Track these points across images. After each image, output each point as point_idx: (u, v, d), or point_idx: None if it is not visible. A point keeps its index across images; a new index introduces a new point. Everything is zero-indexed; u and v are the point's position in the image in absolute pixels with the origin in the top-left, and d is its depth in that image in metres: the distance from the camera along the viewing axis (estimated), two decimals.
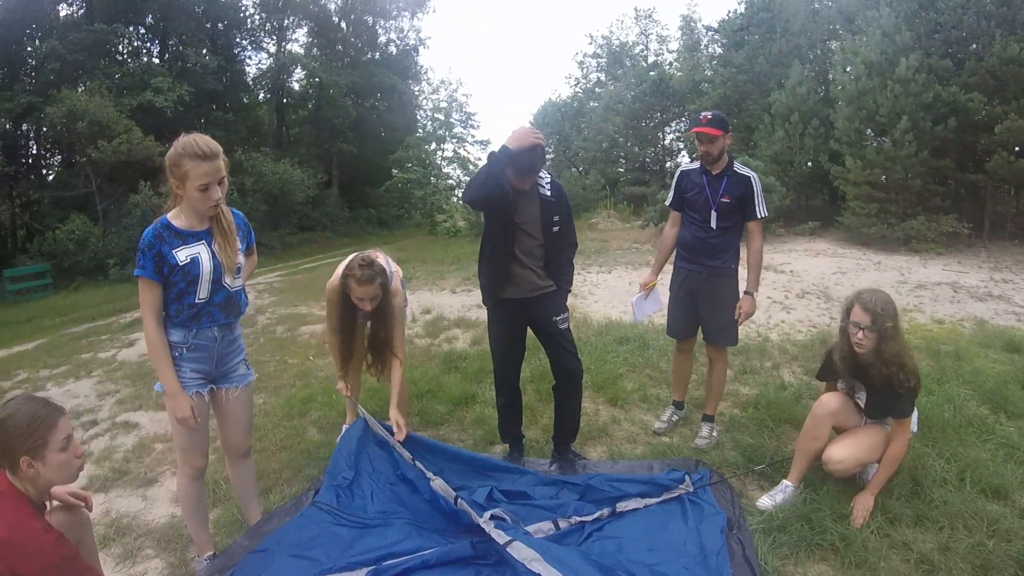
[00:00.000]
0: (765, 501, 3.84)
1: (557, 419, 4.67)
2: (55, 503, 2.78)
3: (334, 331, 4.61)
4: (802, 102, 18.26)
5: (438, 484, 3.89)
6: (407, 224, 39.68)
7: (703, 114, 4.62)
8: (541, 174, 4.28)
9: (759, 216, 4.64)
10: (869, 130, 16.00)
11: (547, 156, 4.19)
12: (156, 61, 30.36)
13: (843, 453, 3.78)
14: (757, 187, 4.61)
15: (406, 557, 3.35)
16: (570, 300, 4.51)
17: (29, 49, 26.93)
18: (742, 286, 4.76)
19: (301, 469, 4.73)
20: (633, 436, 5.06)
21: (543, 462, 4.61)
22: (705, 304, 4.79)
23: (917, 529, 3.51)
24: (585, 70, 46.54)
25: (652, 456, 4.63)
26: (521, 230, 4.29)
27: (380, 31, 40.49)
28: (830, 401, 3.93)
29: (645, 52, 42.72)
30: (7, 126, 25.59)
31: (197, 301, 3.19)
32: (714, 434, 4.93)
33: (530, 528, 3.58)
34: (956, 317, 8.49)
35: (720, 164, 4.66)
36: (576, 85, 46.85)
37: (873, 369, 3.71)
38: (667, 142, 34.21)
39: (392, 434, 4.24)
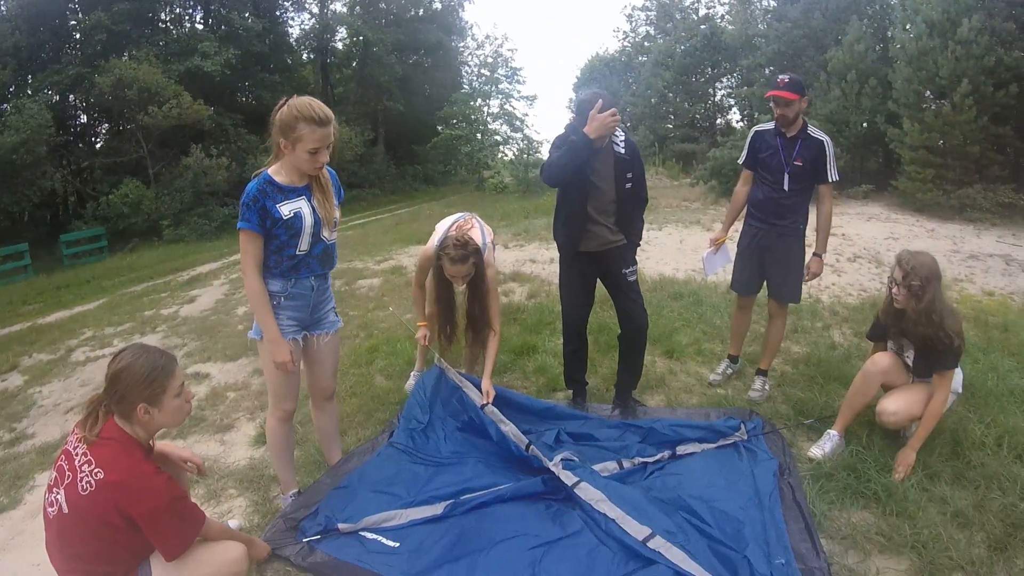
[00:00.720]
0: (815, 451, 4.13)
1: (621, 367, 4.97)
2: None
3: (432, 302, 4.88)
4: (860, 60, 17.79)
5: (510, 430, 4.23)
6: (453, 180, 39.88)
7: (780, 77, 4.77)
8: (616, 131, 4.42)
9: (830, 179, 4.84)
10: (928, 92, 15.52)
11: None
12: (200, 27, 30.67)
13: (896, 405, 4.04)
14: (830, 151, 4.81)
15: (482, 492, 3.70)
16: None
17: (73, 23, 27.31)
18: (809, 248, 5.01)
19: (372, 413, 5.08)
20: (689, 387, 5.38)
21: (605, 407, 4.95)
22: (774, 262, 5.01)
23: (955, 486, 3.73)
24: (634, 23, 45.83)
25: (708, 405, 4.96)
26: (596, 188, 4.47)
27: None
28: (881, 360, 4.20)
29: (696, 5, 41.82)
30: (56, 98, 25.94)
31: (298, 253, 3.36)
32: (767, 387, 5.20)
33: (596, 467, 3.91)
34: (1007, 290, 8.57)
35: (795, 127, 4.84)
36: (624, 39, 46.26)
37: (916, 326, 3.96)
38: (718, 98, 33.93)
39: (477, 388, 4.55)
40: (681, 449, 4.18)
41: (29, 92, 24.73)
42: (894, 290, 4.01)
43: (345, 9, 37.73)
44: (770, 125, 5.01)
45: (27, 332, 10.05)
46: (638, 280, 4.83)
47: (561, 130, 4.51)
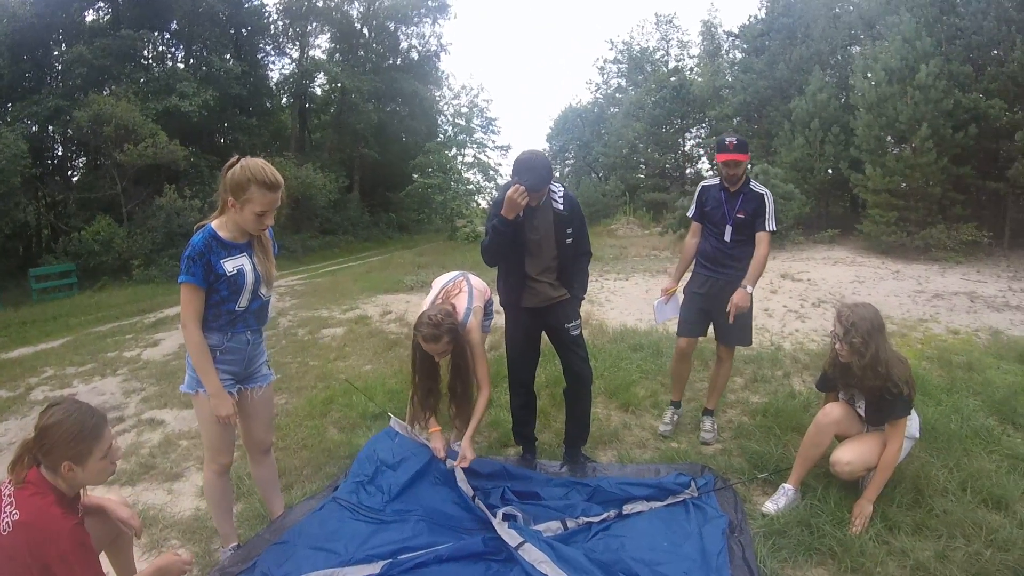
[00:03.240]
0: (768, 506, 3.98)
1: (568, 422, 4.86)
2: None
3: (414, 372, 4.66)
4: (822, 108, 18.26)
5: (459, 477, 4.19)
6: (427, 229, 39.91)
7: (728, 139, 4.95)
8: (553, 188, 4.40)
9: (768, 229, 4.97)
10: (889, 137, 15.97)
11: (558, 165, 4.34)
12: (181, 66, 30.78)
13: (850, 455, 3.92)
14: (769, 204, 4.99)
15: (421, 552, 3.54)
16: (587, 307, 4.71)
17: (56, 54, 27.37)
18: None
19: (321, 467, 4.93)
20: (643, 441, 5.23)
21: (554, 464, 4.78)
22: (721, 308, 4.96)
23: (916, 537, 3.60)
24: (606, 76, 46.57)
25: (660, 460, 4.80)
26: (535, 245, 4.44)
27: (402, 37, 40.68)
28: (833, 410, 4.09)
29: (666, 58, 42.67)
30: (34, 129, 25.98)
31: (237, 309, 3.38)
32: (715, 427, 5.30)
33: (539, 527, 3.78)
34: (972, 328, 8.52)
35: (738, 183, 5.03)
36: (597, 91, 46.97)
37: (863, 380, 3.88)
38: (687, 148, 34.39)
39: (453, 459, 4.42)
40: (628, 508, 4.00)
41: (7, 120, 24.68)
42: (837, 345, 3.93)
43: (324, 56, 38.18)
44: (715, 181, 5.21)
45: None
46: (582, 334, 4.74)
47: (497, 197, 4.48)
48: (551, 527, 3.83)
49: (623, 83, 44.43)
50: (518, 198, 4.04)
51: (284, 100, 38.75)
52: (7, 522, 2.42)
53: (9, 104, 25.87)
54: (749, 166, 5.00)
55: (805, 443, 4.12)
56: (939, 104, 14.34)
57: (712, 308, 5.13)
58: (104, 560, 2.86)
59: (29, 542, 2.38)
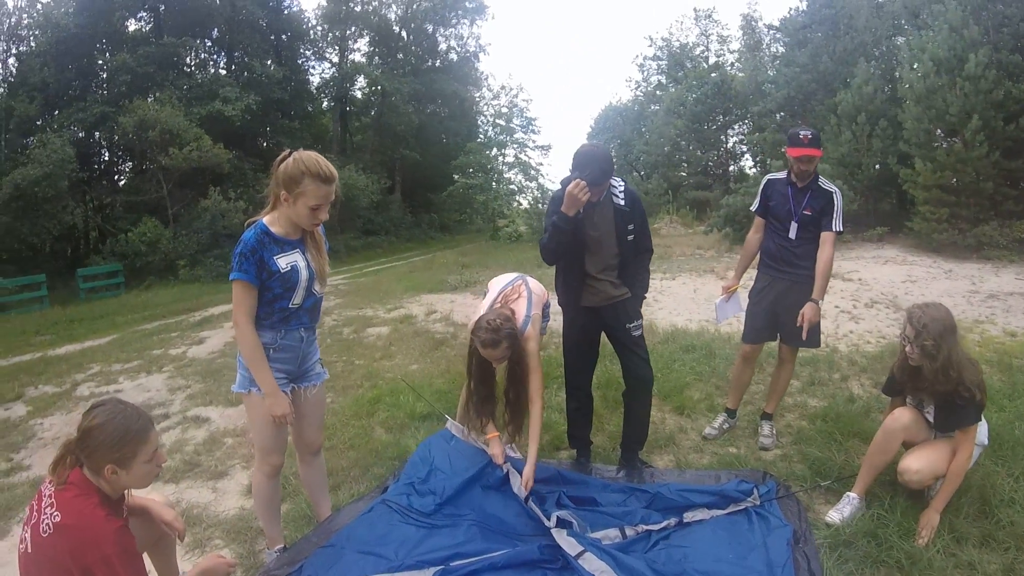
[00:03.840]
0: (833, 516, 3.87)
1: (626, 426, 4.77)
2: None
3: (469, 378, 4.57)
4: (869, 101, 17.79)
5: (515, 482, 4.15)
6: (469, 229, 40.11)
7: (802, 133, 4.74)
8: (614, 182, 4.31)
9: (834, 229, 4.77)
10: (939, 131, 15.52)
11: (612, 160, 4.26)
12: (223, 72, 31.57)
13: (919, 464, 3.80)
14: (838, 203, 4.78)
15: (474, 559, 3.49)
16: None
17: (100, 62, 28.33)
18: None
19: (369, 468, 4.91)
20: (700, 446, 5.13)
21: (610, 468, 4.71)
22: (787, 308, 4.86)
23: (983, 549, 3.49)
24: (645, 73, 46.26)
25: (719, 466, 4.70)
26: (595, 242, 4.34)
27: (440, 39, 41.11)
28: (902, 416, 3.96)
29: (706, 53, 42.35)
30: (80, 135, 26.77)
31: (291, 306, 3.33)
32: (775, 433, 5.16)
33: (597, 534, 3.72)
34: None
35: (807, 178, 4.83)
36: (636, 88, 46.79)
37: (934, 384, 3.75)
38: (730, 145, 34.04)
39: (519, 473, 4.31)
40: (689, 516, 3.93)
41: (54, 127, 25.42)
42: (907, 348, 3.80)
43: (364, 59, 38.59)
44: (782, 174, 5.01)
45: (36, 363, 10.04)
46: (643, 334, 4.63)
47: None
48: (609, 535, 3.77)
49: (663, 80, 44.14)
50: (579, 194, 3.94)
51: (325, 104, 39.25)
52: (47, 523, 2.39)
53: (56, 111, 26.73)
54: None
55: (872, 450, 4.00)
56: (989, 95, 13.93)
57: (778, 309, 4.97)
58: (147, 560, 2.82)
59: (71, 544, 2.35)
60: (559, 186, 4.25)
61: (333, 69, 37.73)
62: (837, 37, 21.78)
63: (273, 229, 3.25)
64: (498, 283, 4.88)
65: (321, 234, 3.47)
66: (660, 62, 44.48)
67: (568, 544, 3.50)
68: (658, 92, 42.73)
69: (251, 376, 3.31)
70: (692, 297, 10.71)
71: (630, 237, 4.37)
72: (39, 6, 27.58)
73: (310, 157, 3.15)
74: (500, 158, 37.18)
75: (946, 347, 3.64)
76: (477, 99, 43.23)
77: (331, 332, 10.00)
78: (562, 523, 3.73)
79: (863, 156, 17.78)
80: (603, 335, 4.71)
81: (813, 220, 4.79)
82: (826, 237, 4.78)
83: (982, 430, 3.96)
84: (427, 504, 4.09)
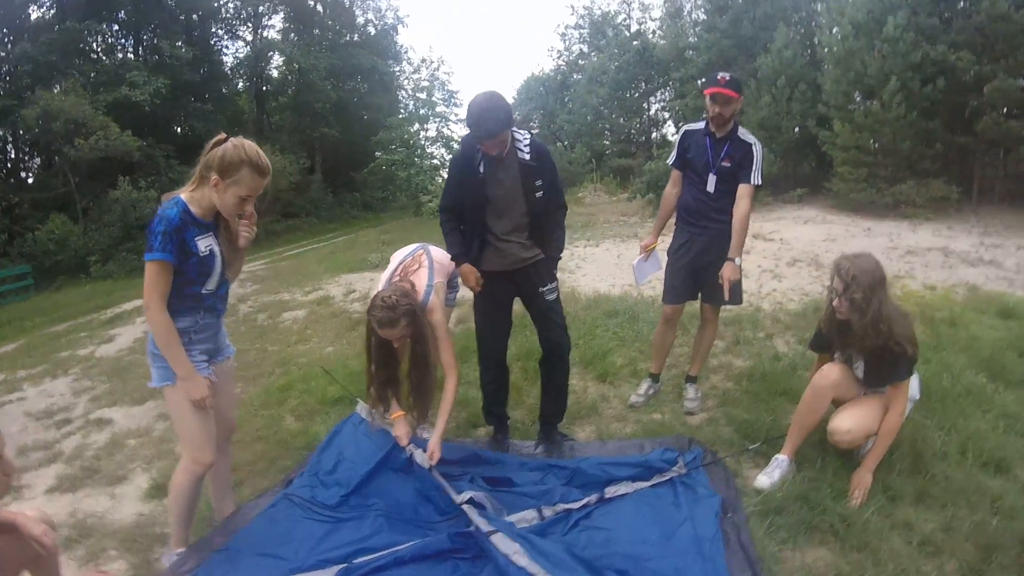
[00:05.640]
0: (762, 480, 3.65)
1: (544, 397, 4.49)
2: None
3: (370, 361, 4.13)
4: (788, 66, 17.74)
5: (419, 459, 3.90)
6: (392, 207, 39.23)
7: (720, 75, 4.44)
8: (518, 135, 3.95)
9: (752, 182, 4.49)
10: (857, 93, 15.55)
11: (513, 116, 3.94)
12: (131, 56, 30.14)
13: (850, 423, 3.58)
14: (758, 154, 4.51)
15: (379, 553, 3.20)
16: (558, 275, 4.28)
17: (2, 54, 26.88)
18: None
19: (275, 460, 4.55)
20: (623, 415, 4.85)
21: (528, 444, 4.42)
22: (706, 265, 4.61)
23: (919, 507, 3.34)
24: (567, 42, 45.63)
25: (643, 435, 4.42)
26: (501, 202, 4.00)
27: (358, 12, 40.06)
28: (830, 372, 3.73)
29: (627, 21, 41.74)
30: None
31: (203, 292, 3.15)
32: (699, 395, 4.92)
33: (513, 517, 3.41)
34: (948, 283, 8.30)
35: (725, 128, 4.53)
36: (559, 58, 45.75)
37: (864, 339, 3.51)
38: (652, 112, 33.93)
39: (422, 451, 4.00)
40: (611, 491, 3.62)
41: None
42: (835, 302, 3.55)
43: (279, 36, 37.34)
44: (700, 124, 4.69)
45: None
46: (559, 298, 4.32)
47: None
48: (526, 517, 3.45)
49: (585, 49, 43.62)
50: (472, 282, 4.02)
51: (240, 85, 37.97)
52: None
53: None
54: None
55: (800, 409, 3.77)
56: (907, 57, 13.97)
57: (698, 267, 4.69)
58: None
59: None
60: (458, 146, 4.02)
61: (247, 48, 36.57)
62: (757, 3, 21.66)
63: (192, 208, 3.04)
64: (398, 256, 4.52)
65: (243, 230, 3.27)
66: (582, 31, 43.84)
67: (481, 522, 3.21)
68: (580, 61, 42.29)
69: (168, 366, 3.08)
70: (616, 263, 10.50)
71: (539, 194, 4.01)
72: None
73: (251, 147, 2.99)
74: (422, 133, 36.44)
75: (876, 300, 3.40)
76: (397, 73, 42.15)
77: (245, 319, 9.53)
78: (475, 504, 3.42)
79: (783, 119, 17.81)
80: (518, 301, 4.39)
81: (732, 172, 4.52)
82: (743, 190, 4.50)
83: (914, 384, 3.80)
84: (332, 496, 3.78)
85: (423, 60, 43.56)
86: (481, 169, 3.88)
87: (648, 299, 7.54)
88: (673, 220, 4.95)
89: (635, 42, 32.99)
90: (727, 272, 4.41)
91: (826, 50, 16.28)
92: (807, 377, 4.05)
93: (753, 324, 6.63)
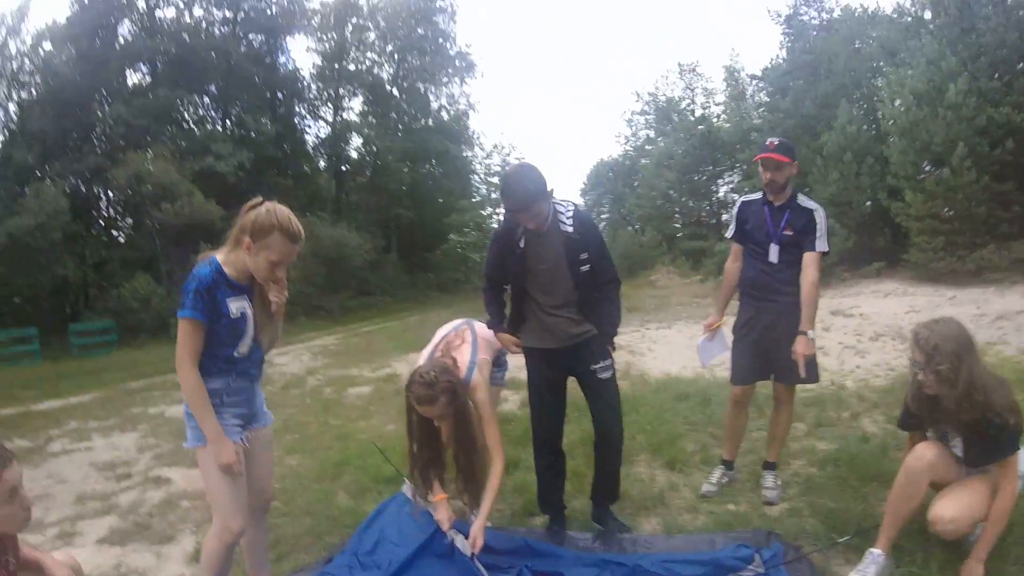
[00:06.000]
0: None
1: (595, 477, 4.12)
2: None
3: (411, 440, 3.84)
4: (853, 141, 17.52)
5: (460, 545, 3.52)
6: (466, 288, 39.07)
7: (770, 140, 4.27)
8: (560, 208, 3.73)
9: (817, 249, 4.16)
10: (926, 163, 15.21)
11: (548, 188, 3.72)
12: (219, 128, 31.13)
13: (954, 510, 3.04)
14: (821, 220, 4.20)
15: None
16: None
17: (99, 113, 27.60)
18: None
19: (322, 536, 4.24)
20: (694, 505, 4.35)
21: (587, 536, 3.97)
22: (777, 341, 4.21)
23: None
24: (634, 128, 46.01)
25: (715, 528, 3.93)
26: (546, 277, 3.76)
27: (432, 97, 40.70)
28: (925, 453, 3.21)
29: (692, 106, 41.91)
30: (81, 188, 26.36)
31: (236, 355, 3.02)
32: (778, 483, 4.39)
33: None
34: None
35: (783, 195, 4.26)
36: (626, 143, 46.35)
37: (957, 414, 3.03)
38: (721, 194, 33.74)
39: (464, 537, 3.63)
40: None
41: (51, 176, 24.84)
42: (920, 375, 3.08)
43: (358, 119, 38.07)
44: (757, 195, 4.44)
45: (15, 417, 9.59)
46: (614, 378, 3.96)
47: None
48: None
49: (651, 134, 43.87)
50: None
51: (321, 164, 38.80)
52: None
53: (54, 161, 26.08)
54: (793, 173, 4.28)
55: (894, 496, 3.24)
56: (972, 122, 13.64)
57: (766, 344, 4.28)
58: None
59: None
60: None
61: (328, 128, 37.49)
62: (818, 82, 21.71)
63: (226, 269, 2.95)
64: (442, 330, 4.24)
65: (272, 295, 3.10)
66: (648, 116, 44.18)
67: None
68: (647, 147, 42.51)
69: (198, 422, 2.95)
70: (687, 345, 9.92)
71: (584, 268, 3.74)
72: (41, 52, 27.01)
73: (283, 212, 2.93)
74: (494, 217, 36.64)
75: (966, 368, 2.93)
76: (469, 159, 42.80)
77: (312, 392, 9.50)
78: None
79: (853, 194, 17.42)
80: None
81: (795, 241, 4.19)
82: (809, 259, 4.16)
83: (1023, 458, 3.21)
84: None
85: (495, 146, 43.87)
86: (522, 244, 3.68)
87: (721, 380, 6.97)
88: (737, 298, 4.61)
89: (700, 126, 33.05)
90: (800, 347, 4.02)
91: (891, 122, 15.99)
92: (900, 458, 3.49)
93: (836, 404, 6.09)
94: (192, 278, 2.87)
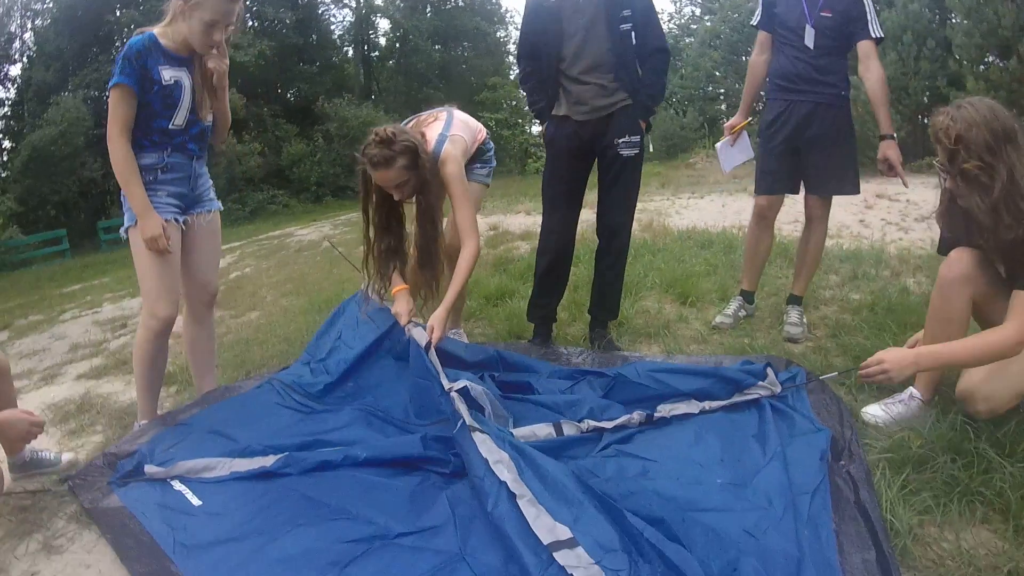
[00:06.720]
0: (875, 410, 2.50)
1: (593, 289, 3.66)
2: None
3: (364, 224, 3.27)
4: (915, 20, 15.70)
5: (416, 340, 2.94)
6: (499, 171, 38.62)
7: None
8: None
9: (872, 35, 3.47)
10: (990, 55, 13.50)
11: None
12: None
13: (988, 385, 2.26)
14: (868, 1, 3.45)
15: (334, 448, 2.42)
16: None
17: (110, 19, 27.32)
18: None
19: (291, 358, 3.75)
20: (704, 336, 3.67)
21: (571, 351, 3.39)
22: (812, 144, 3.52)
23: None
24: (678, 4, 44.07)
25: (724, 353, 3.29)
26: (578, 32, 3.27)
27: None
28: (961, 258, 2.41)
29: None
30: (95, 94, 25.96)
31: (171, 127, 2.83)
32: (804, 320, 3.69)
33: (520, 431, 2.34)
34: None
35: None
36: (670, 21, 43.81)
37: (996, 231, 2.20)
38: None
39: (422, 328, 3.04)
40: (664, 409, 2.48)
41: (70, 89, 25.07)
42: (947, 182, 2.30)
43: (381, 3, 36.72)
44: None
45: (37, 300, 9.92)
46: (639, 166, 3.38)
47: None
48: (536, 432, 2.37)
49: (697, 11, 41.73)
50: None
51: (350, 52, 37.67)
52: None
53: (74, 77, 26.32)
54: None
55: (930, 319, 2.53)
56: None
57: (799, 144, 3.58)
58: None
59: None
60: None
61: (351, 15, 36.26)
62: None
63: (162, 41, 2.77)
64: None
65: (225, 79, 2.97)
66: None
67: (466, 414, 2.26)
68: (692, 25, 40.44)
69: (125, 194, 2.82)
70: (720, 210, 9.18)
71: (624, 26, 3.24)
72: None
73: None
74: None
75: (1004, 163, 2.14)
76: (502, 38, 40.91)
77: (325, 252, 9.40)
78: (469, 398, 2.41)
79: (910, 79, 15.91)
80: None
81: (835, 25, 3.44)
82: (868, 48, 3.47)
83: None
84: (316, 384, 3.06)
85: None
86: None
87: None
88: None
89: (750, 3, 31.10)
90: (890, 152, 3.43)
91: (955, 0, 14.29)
92: None
93: (876, 261, 5.25)
94: (124, 47, 2.72)
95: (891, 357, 2.24)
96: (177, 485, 2.35)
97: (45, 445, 2.95)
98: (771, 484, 1.98)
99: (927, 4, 16.28)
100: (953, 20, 14.32)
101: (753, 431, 2.33)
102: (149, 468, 2.44)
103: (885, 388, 2.64)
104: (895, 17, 16.09)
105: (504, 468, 1.90)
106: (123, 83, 2.66)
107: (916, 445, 2.21)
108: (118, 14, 26.78)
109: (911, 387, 2.53)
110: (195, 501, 2.25)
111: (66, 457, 2.85)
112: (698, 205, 9.99)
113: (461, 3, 37.88)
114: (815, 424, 2.33)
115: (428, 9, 36.15)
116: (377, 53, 38.29)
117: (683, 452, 2.23)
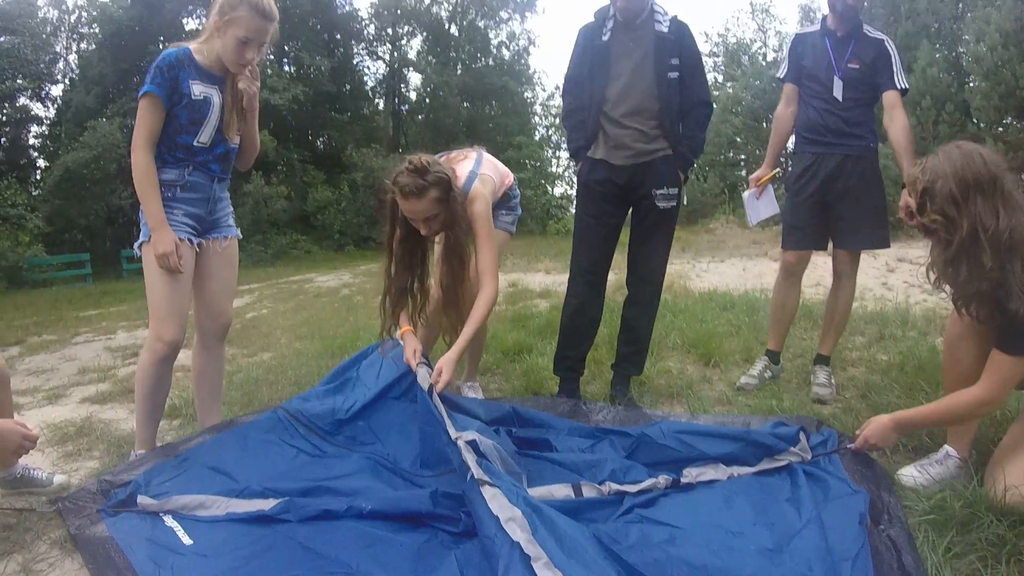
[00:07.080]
0: (911, 472, 2.37)
1: (619, 342, 3.55)
2: None
3: (386, 258, 3.11)
4: (934, 85, 15.96)
5: (424, 387, 2.76)
6: (520, 230, 38.79)
7: None
8: (658, 8, 3.28)
9: (897, 86, 3.46)
10: (1009, 119, 13.67)
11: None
12: (274, 62, 31.20)
13: (1014, 474, 2.11)
14: (893, 51, 3.48)
15: (337, 497, 2.32)
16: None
17: (153, 48, 27.34)
18: None
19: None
20: (729, 397, 3.55)
21: (592, 407, 3.22)
22: (841, 198, 3.47)
23: None
24: None
25: (750, 415, 3.16)
26: (625, 74, 3.25)
27: (491, 35, 39.56)
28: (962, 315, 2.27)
29: (763, 49, 40.06)
30: (131, 122, 26.19)
31: (196, 144, 2.79)
32: (833, 381, 3.57)
33: (536, 491, 2.20)
34: None
35: (849, 20, 3.50)
36: None
37: (967, 281, 2.11)
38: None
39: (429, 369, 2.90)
40: (692, 473, 2.36)
41: (107, 116, 25.22)
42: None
43: (415, 58, 37.40)
44: (815, 27, 3.73)
45: (52, 320, 9.82)
46: (673, 216, 3.37)
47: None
48: (554, 492, 2.25)
49: (719, 78, 42.14)
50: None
51: (380, 105, 38.27)
52: None
53: (113, 104, 26.67)
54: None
55: (945, 377, 2.46)
56: None
57: (828, 199, 3.52)
58: None
59: None
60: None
61: (385, 67, 36.95)
62: (898, 22, 20.03)
63: (197, 56, 2.78)
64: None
65: (255, 101, 3.01)
66: (716, 59, 42.16)
67: (475, 467, 2.12)
68: (714, 91, 40.84)
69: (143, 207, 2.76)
70: (741, 274, 9.15)
71: (672, 75, 3.22)
72: (97, 1, 27.61)
73: None
74: (554, 161, 35.78)
75: (968, 216, 2.02)
76: (529, 99, 41.42)
77: (344, 300, 9.37)
78: (477, 451, 2.27)
79: (929, 143, 15.93)
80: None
81: (862, 77, 3.45)
82: (893, 99, 3.46)
83: None
84: (324, 417, 2.92)
85: (557, 87, 42.76)
86: (606, 36, 3.26)
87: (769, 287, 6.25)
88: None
89: (771, 71, 31.38)
90: (911, 200, 3.23)
91: (973, 62, 14.41)
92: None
93: (902, 322, 5.16)
94: (157, 58, 2.72)
95: (872, 427, 2.27)
96: (169, 521, 2.27)
97: (39, 464, 2.91)
98: (809, 549, 1.88)
99: (945, 68, 16.43)
100: (971, 84, 14.36)
101: (786, 495, 2.21)
102: (142, 499, 2.36)
103: (920, 449, 2.55)
104: (914, 82, 16.18)
105: (517, 527, 1.76)
106: (152, 92, 2.66)
107: (958, 505, 2.08)
108: (161, 45, 27.57)
109: (946, 446, 2.42)
110: (186, 540, 2.17)
111: (58, 479, 2.80)
112: (719, 269, 10.00)
113: (491, 62, 38.57)
114: (851, 486, 2.22)
115: (459, 67, 36.82)
116: (407, 106, 38.84)
117: (712, 517, 2.11)
